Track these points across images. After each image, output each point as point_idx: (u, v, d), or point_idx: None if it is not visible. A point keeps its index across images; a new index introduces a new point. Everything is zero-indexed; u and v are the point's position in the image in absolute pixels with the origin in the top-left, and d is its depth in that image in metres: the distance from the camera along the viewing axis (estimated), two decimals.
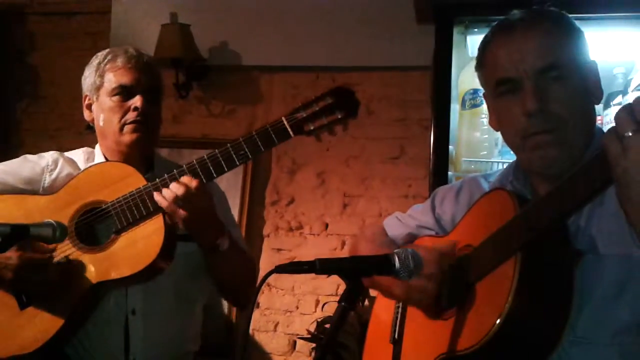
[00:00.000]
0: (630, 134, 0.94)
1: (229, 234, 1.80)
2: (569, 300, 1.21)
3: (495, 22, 1.43)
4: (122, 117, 1.85)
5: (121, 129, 1.85)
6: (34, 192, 1.88)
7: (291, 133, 1.69)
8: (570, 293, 1.21)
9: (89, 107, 1.95)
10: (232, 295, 2.06)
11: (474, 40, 2.58)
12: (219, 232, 1.77)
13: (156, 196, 1.70)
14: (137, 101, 1.85)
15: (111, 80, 1.87)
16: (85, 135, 2.03)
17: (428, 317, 1.42)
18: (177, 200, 1.66)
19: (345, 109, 1.69)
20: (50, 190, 1.88)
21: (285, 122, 1.68)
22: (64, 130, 3.80)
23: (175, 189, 1.67)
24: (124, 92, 1.86)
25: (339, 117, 1.68)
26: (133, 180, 1.76)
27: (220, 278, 1.92)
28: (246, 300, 2.06)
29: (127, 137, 1.85)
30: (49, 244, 1.69)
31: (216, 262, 1.82)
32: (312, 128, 1.69)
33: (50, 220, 1.52)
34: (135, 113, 1.85)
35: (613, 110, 2.42)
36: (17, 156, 1.98)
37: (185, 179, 1.69)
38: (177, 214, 1.69)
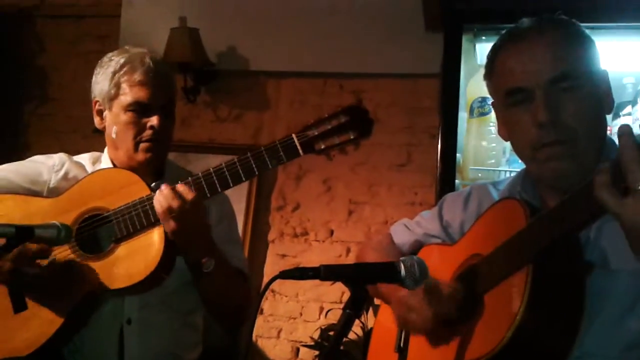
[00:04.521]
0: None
1: (218, 256, 1.73)
2: (580, 313, 1.19)
3: (504, 30, 1.41)
4: (137, 134, 1.82)
5: (136, 146, 1.82)
6: (39, 193, 1.86)
7: (300, 152, 1.62)
8: (581, 305, 1.19)
9: (100, 113, 1.90)
10: (216, 317, 1.95)
11: (482, 48, 2.57)
12: (206, 252, 1.71)
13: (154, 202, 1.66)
14: (154, 120, 1.81)
15: (127, 94, 1.81)
16: (93, 138, 2.02)
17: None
18: (169, 210, 1.62)
19: (359, 129, 1.62)
20: (56, 190, 1.86)
21: (296, 140, 1.62)
22: (72, 133, 3.81)
23: (169, 198, 1.63)
24: (140, 109, 1.81)
25: (352, 137, 1.62)
26: (137, 189, 1.73)
27: (204, 297, 1.85)
28: (233, 325, 1.97)
29: (141, 155, 1.82)
30: (52, 246, 1.68)
31: (200, 280, 1.76)
32: (322, 147, 1.62)
33: (55, 221, 1.52)
34: (151, 132, 1.81)
35: (622, 121, 2.40)
36: (24, 158, 1.97)
37: (182, 189, 1.64)
38: (167, 224, 1.65)
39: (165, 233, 1.68)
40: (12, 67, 3.92)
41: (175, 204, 1.62)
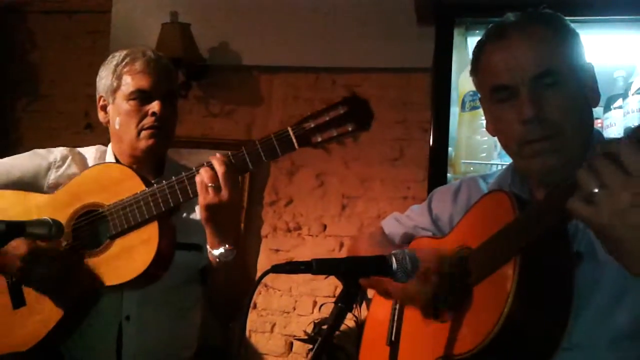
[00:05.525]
0: (596, 190, 0.92)
1: (238, 248, 1.70)
2: (569, 305, 1.19)
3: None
4: (139, 122, 1.83)
5: (138, 134, 1.83)
6: (39, 188, 1.87)
7: (296, 145, 1.58)
8: (570, 297, 1.19)
9: (104, 108, 1.92)
10: (217, 308, 1.95)
11: (474, 42, 2.56)
12: (234, 239, 1.67)
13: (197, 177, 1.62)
14: (155, 106, 1.82)
15: (129, 83, 1.83)
16: (84, 134, 2.02)
17: (425, 319, 1.41)
18: (226, 175, 1.58)
19: (358, 120, 1.56)
20: (56, 186, 1.86)
21: (291, 133, 1.57)
22: (63, 129, 3.79)
23: (218, 165, 1.59)
24: (141, 97, 1.82)
25: (350, 129, 1.56)
26: (132, 185, 1.72)
27: (213, 286, 1.84)
28: (231, 316, 1.96)
29: (144, 142, 1.83)
30: (45, 242, 1.68)
31: (215, 269, 1.72)
32: (319, 140, 1.58)
33: (46, 217, 1.52)
34: (152, 119, 1.82)
35: (613, 114, 2.41)
36: (15, 154, 1.96)
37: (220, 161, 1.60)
38: (214, 196, 1.59)
39: (160, 231, 1.66)
40: (2, 63, 3.90)
41: (222, 171, 1.59)
